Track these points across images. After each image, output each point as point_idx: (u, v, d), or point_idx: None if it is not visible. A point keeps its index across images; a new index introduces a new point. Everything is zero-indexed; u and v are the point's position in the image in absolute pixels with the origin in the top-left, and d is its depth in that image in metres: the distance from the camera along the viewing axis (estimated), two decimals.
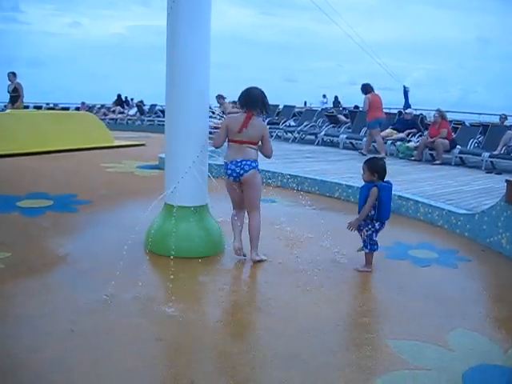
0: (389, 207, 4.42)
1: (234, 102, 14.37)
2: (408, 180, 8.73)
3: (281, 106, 18.08)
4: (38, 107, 21.50)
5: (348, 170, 9.62)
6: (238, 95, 4.72)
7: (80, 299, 3.67)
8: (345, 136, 13.79)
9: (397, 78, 19.40)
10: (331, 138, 14.52)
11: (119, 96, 23.84)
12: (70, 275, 4.18)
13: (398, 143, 12.16)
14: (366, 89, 11.84)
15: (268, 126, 16.13)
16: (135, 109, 22.54)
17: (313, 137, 15.11)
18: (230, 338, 3.29)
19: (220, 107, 14.86)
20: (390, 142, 12.41)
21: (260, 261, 4.57)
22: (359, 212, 4.41)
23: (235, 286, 4.26)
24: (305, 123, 15.81)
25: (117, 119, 21.98)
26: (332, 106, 21.64)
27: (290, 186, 7.97)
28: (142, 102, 23.14)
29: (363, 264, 4.48)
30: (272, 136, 16.23)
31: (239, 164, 4.52)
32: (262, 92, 4.64)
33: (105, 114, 23.44)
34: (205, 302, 3.91)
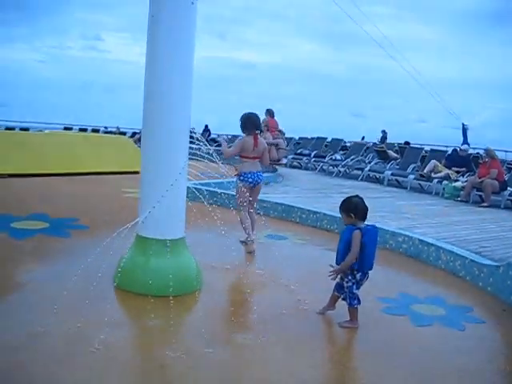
0: (372, 255, 3.78)
1: (279, 131, 13.95)
2: (444, 222, 7.97)
3: (329, 139, 17.51)
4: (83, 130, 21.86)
5: (382, 209, 8.95)
6: (241, 121, 5.84)
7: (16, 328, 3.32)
8: (390, 172, 13.02)
9: (456, 116, 18.56)
10: (377, 174, 13.78)
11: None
12: (16, 303, 3.83)
13: (445, 182, 11.31)
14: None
15: (313, 159, 15.71)
16: None
17: (359, 172, 14.43)
18: None
19: (261, 133, 14.47)
20: (435, 180, 11.57)
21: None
22: (336, 259, 3.80)
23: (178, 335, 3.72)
24: (351, 157, 15.16)
25: None
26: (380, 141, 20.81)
27: (309, 222, 7.39)
28: (192, 129, 23.04)
29: (348, 318, 3.83)
30: (316, 169, 15.69)
31: (255, 174, 5.89)
32: (257, 115, 6.00)
33: None
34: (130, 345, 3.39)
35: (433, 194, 11.59)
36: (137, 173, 7.34)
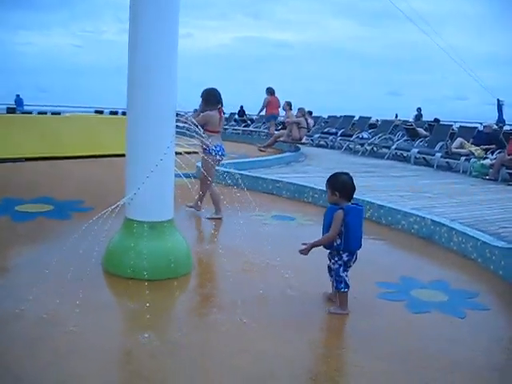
0: (358, 235, 3.53)
1: (300, 110, 13.63)
2: (466, 201, 7.59)
3: (356, 117, 17.06)
4: (114, 113, 21.87)
5: (402, 188, 8.63)
6: (202, 97, 5.88)
7: None
8: (416, 150, 12.56)
9: (491, 91, 17.84)
10: (404, 152, 13.34)
11: (241, 107, 23.66)
12: None
13: (473, 160, 10.82)
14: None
15: (339, 138, 15.38)
16: None
17: (386, 150, 14.01)
18: None
19: (285, 114, 14.19)
20: (463, 158, 11.10)
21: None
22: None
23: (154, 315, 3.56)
24: (379, 135, 14.72)
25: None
26: (415, 119, 20.17)
27: (321, 202, 7.13)
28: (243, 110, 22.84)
29: (337, 305, 3.60)
30: (342, 147, 15.33)
31: (223, 148, 5.94)
32: (217, 90, 5.92)
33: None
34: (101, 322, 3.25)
35: (460, 172, 11.13)
36: None
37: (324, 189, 7.12)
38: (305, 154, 13.16)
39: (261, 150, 13.15)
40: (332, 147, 16.11)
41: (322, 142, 16.91)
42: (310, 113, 19.27)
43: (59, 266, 3.81)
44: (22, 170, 8.85)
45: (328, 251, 3.61)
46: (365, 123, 16.54)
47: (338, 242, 3.48)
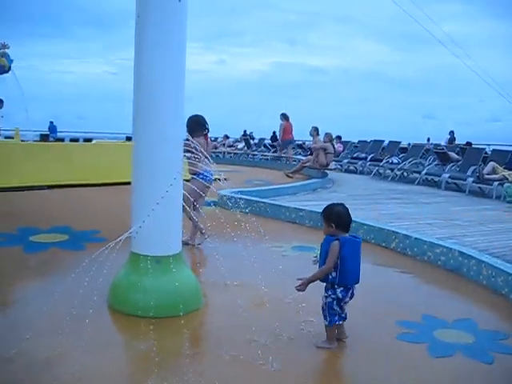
0: (354, 268, 3.30)
1: (327, 135, 13.42)
2: (499, 229, 7.22)
3: (386, 142, 16.75)
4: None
5: (431, 215, 8.29)
6: (188, 125, 5.64)
7: None
8: (447, 175, 12.16)
9: None
10: (434, 178, 12.95)
11: (245, 132, 23.80)
12: None
13: (506, 185, 10.39)
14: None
15: (369, 163, 15.09)
16: (243, 143, 22.37)
17: (417, 175, 13.63)
18: None
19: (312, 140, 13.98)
20: (496, 183, 10.67)
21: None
22: None
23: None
24: (409, 160, 14.37)
25: (224, 153, 21.97)
26: (447, 142, 19.69)
27: None
28: (250, 135, 22.88)
29: (324, 339, 3.38)
30: (371, 172, 15.00)
31: (212, 173, 5.77)
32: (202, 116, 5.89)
33: (215, 148, 23.65)
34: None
35: (493, 197, 10.69)
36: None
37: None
38: (332, 180, 12.90)
39: (288, 176, 12.97)
40: (361, 172, 15.81)
41: (351, 168, 16.62)
42: (340, 138, 19.05)
43: (64, 302, 3.66)
44: (42, 197, 8.82)
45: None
46: (395, 147, 16.21)
47: (334, 274, 3.29)
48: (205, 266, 5.46)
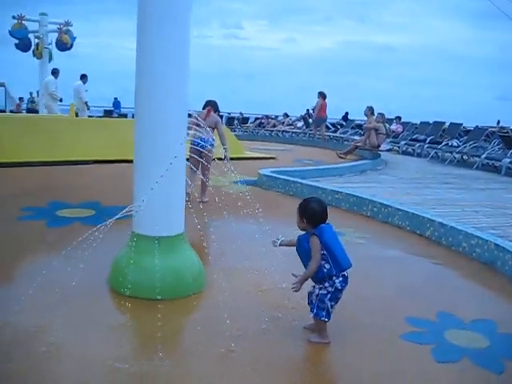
0: (340, 248, 3.14)
1: (380, 115, 12.90)
2: None
3: (447, 124, 15.94)
4: None
5: (482, 203, 7.78)
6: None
7: None
8: (508, 160, 11.41)
9: None
10: (495, 162, 12.20)
11: (307, 111, 23.41)
12: None
13: None
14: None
15: (427, 145, 14.41)
16: (302, 122, 21.99)
17: (477, 159, 12.90)
18: None
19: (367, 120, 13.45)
20: None
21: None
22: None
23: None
24: (470, 143, 13.61)
25: (283, 131, 21.71)
26: None
27: (380, 217, 6.52)
28: (310, 113, 22.39)
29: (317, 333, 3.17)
30: (429, 155, 14.34)
31: (206, 139, 6.46)
32: None
33: (274, 126, 23.40)
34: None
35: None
36: (234, 159, 7.57)
37: (384, 202, 6.56)
38: (385, 162, 12.43)
39: (340, 157, 12.59)
40: (419, 155, 15.16)
41: (409, 150, 15.98)
42: (399, 118, 18.34)
43: (67, 279, 3.62)
44: (83, 172, 8.92)
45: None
46: (456, 130, 15.39)
47: (327, 266, 3.08)
48: (213, 248, 5.28)
